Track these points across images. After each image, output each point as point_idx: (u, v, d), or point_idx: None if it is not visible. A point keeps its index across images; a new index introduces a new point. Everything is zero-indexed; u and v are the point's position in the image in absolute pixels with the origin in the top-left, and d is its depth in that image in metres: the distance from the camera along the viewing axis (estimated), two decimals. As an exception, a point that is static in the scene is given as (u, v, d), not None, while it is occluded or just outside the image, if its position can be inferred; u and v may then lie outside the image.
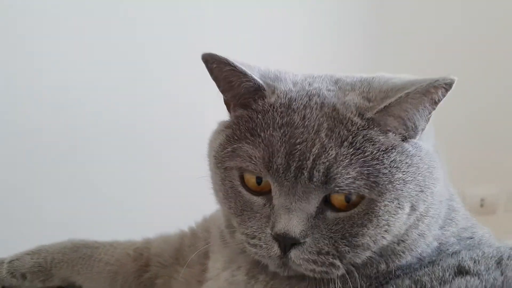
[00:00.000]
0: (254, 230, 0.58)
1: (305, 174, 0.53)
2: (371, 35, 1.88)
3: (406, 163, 0.55)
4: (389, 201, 0.54)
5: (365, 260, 0.57)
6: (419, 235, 0.59)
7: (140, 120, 1.57)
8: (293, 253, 0.55)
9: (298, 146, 0.54)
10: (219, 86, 0.63)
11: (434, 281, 0.55)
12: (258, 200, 0.58)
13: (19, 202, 1.43)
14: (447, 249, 0.62)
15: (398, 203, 0.54)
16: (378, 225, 0.54)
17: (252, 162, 0.56)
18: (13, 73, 1.41)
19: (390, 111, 0.55)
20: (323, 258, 0.55)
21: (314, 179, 0.53)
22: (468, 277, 0.54)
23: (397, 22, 1.88)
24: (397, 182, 0.54)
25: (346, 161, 0.53)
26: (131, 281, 0.86)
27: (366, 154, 0.53)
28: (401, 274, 0.58)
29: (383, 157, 0.54)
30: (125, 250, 0.90)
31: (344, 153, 0.53)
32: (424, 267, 0.59)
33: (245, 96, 0.61)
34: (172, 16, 1.60)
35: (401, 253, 0.58)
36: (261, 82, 0.60)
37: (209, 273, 0.75)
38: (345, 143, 0.54)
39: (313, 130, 0.55)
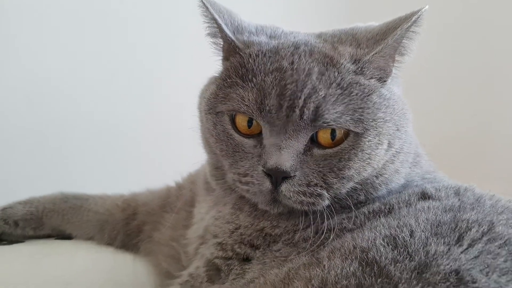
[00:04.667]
0: (246, 168, 0.62)
1: (297, 111, 0.59)
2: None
3: (384, 105, 0.62)
4: (372, 137, 0.61)
5: (348, 191, 0.63)
6: (394, 171, 0.66)
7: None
8: (284, 187, 0.60)
9: (288, 86, 0.59)
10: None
11: (401, 203, 0.62)
12: (249, 142, 0.63)
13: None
14: (412, 185, 0.69)
15: (379, 139, 0.61)
16: (362, 158, 0.61)
17: (245, 104, 0.61)
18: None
19: (383, 52, 0.62)
20: (312, 189, 0.60)
21: (305, 117, 0.58)
22: (430, 201, 0.61)
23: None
24: (379, 120, 0.61)
25: (333, 99, 0.59)
26: (119, 228, 0.91)
27: (352, 95, 0.60)
28: (372, 201, 0.65)
29: (366, 99, 0.61)
30: (114, 201, 0.95)
31: (332, 93, 0.59)
32: (392, 195, 0.66)
33: (229, 41, 0.66)
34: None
35: (378, 186, 0.65)
36: (231, 36, 0.65)
37: (194, 218, 0.80)
38: (334, 85, 0.60)
39: (303, 73, 0.60)
